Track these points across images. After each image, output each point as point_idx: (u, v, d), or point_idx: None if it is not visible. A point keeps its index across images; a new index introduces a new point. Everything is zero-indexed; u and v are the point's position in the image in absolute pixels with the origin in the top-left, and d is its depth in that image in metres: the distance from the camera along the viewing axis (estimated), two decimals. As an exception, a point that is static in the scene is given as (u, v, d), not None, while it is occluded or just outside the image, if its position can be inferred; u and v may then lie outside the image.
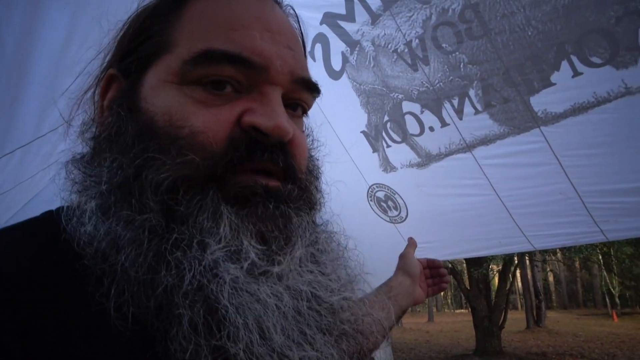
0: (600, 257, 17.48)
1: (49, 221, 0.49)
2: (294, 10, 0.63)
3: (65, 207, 0.50)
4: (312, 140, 0.67)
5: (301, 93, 0.56)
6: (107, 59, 0.56)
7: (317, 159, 0.66)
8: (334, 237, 0.61)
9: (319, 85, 0.58)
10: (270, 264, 0.47)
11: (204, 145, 0.46)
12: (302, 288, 0.48)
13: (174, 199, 0.45)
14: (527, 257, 15.86)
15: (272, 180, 0.50)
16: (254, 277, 0.45)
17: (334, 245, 0.59)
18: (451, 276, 13.47)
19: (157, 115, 0.47)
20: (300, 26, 0.63)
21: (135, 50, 0.53)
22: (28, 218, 0.52)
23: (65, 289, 0.43)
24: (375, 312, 0.60)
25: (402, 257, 1.36)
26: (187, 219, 0.44)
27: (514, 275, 13.61)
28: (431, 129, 2.62)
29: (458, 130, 2.53)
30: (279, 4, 0.60)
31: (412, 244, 1.41)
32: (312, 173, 0.60)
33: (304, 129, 0.62)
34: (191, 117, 0.47)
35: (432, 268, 1.40)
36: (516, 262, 14.28)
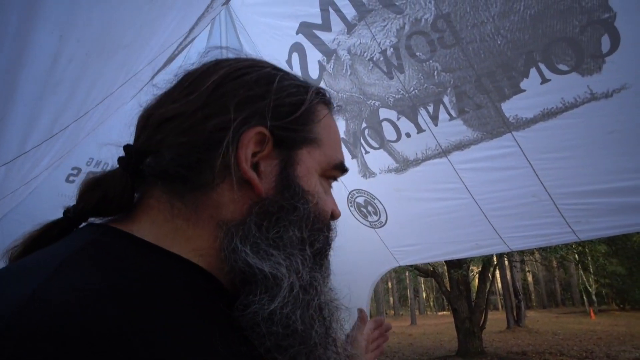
0: (577, 256, 17.85)
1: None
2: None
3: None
4: None
5: None
6: (246, 110, 0.60)
7: None
8: None
9: None
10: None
11: (330, 224, 0.68)
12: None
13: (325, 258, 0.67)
14: (505, 258, 16.12)
15: None
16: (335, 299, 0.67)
17: None
18: (432, 278, 13.60)
19: (314, 202, 0.63)
20: None
21: (295, 129, 0.63)
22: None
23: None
24: None
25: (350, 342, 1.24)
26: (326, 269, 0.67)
27: (494, 276, 13.81)
28: (408, 135, 2.68)
29: (434, 136, 2.59)
30: None
31: (361, 321, 1.27)
32: None
33: None
34: (326, 204, 0.66)
35: (378, 328, 1.31)
36: (495, 263, 14.50)
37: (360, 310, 1.25)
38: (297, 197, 0.61)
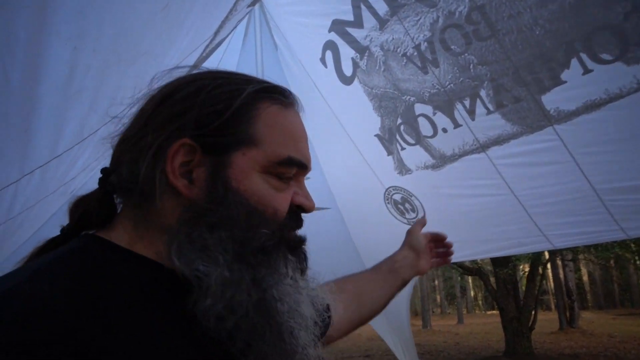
0: (636, 255, 16.94)
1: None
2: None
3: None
4: None
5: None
6: (169, 127, 0.66)
7: None
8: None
9: None
10: (304, 283, 0.72)
11: (279, 219, 0.68)
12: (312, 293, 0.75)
13: (267, 254, 0.65)
14: (558, 257, 15.52)
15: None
16: (299, 292, 0.68)
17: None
18: (478, 277, 13.28)
19: (250, 197, 0.65)
20: None
21: (218, 134, 0.66)
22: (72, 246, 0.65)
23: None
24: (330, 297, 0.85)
25: (409, 232, 1.43)
26: (273, 264, 0.66)
27: (543, 275, 13.32)
28: (444, 130, 2.62)
29: (471, 130, 2.53)
30: None
31: (421, 221, 1.48)
32: None
33: None
34: (272, 200, 0.67)
35: (437, 241, 1.47)
36: (545, 261, 13.98)
37: (422, 217, 1.50)
38: (220, 197, 0.64)
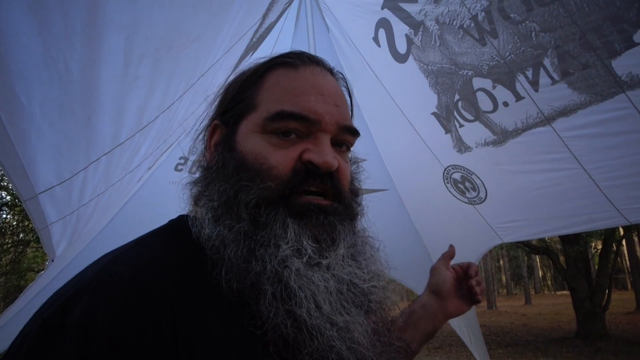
0: None
1: (180, 226, 0.72)
2: (342, 74, 0.83)
3: (191, 216, 0.72)
4: (356, 168, 0.87)
5: (345, 136, 0.76)
6: (211, 113, 0.79)
7: (359, 181, 0.85)
8: (369, 241, 0.80)
9: (358, 130, 0.78)
10: (322, 258, 0.67)
11: (277, 175, 0.67)
12: (343, 276, 0.68)
13: (258, 212, 0.66)
14: (634, 233, 14.61)
15: (324, 200, 0.71)
16: (310, 267, 0.65)
17: (368, 248, 0.78)
18: (546, 256, 12.76)
19: (247, 155, 0.69)
20: (347, 86, 0.83)
21: (232, 108, 0.75)
22: (165, 224, 0.74)
23: (197, 269, 0.65)
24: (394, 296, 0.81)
25: (432, 271, 1.19)
26: (266, 227, 0.65)
27: (617, 253, 12.58)
28: (505, 104, 2.51)
29: (535, 102, 2.40)
30: (332, 73, 0.80)
31: (447, 254, 1.21)
32: (354, 192, 0.80)
33: (348, 160, 0.81)
34: (269, 156, 0.68)
35: (467, 277, 1.17)
36: (619, 238, 13.20)
37: (450, 246, 1.22)
38: (223, 159, 0.71)
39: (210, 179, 0.72)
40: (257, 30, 1.76)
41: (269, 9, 1.65)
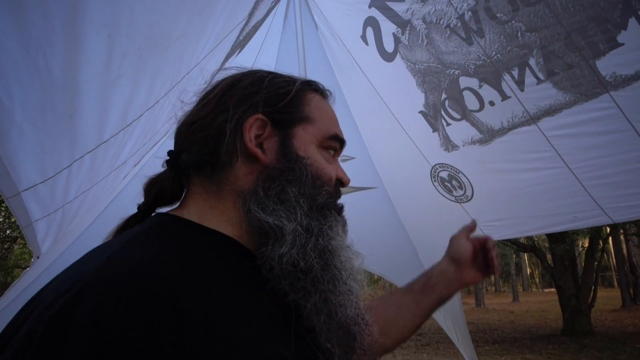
0: None
1: (170, 224, 0.75)
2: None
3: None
4: None
5: None
6: (243, 105, 0.78)
7: None
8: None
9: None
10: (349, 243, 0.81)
11: (331, 185, 0.81)
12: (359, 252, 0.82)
13: (328, 212, 0.79)
14: (620, 231, 14.80)
15: None
16: (348, 248, 0.79)
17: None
18: (533, 254, 12.88)
19: (314, 163, 0.79)
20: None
21: (286, 112, 0.80)
22: (150, 222, 0.75)
23: (204, 263, 0.70)
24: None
25: (451, 240, 1.25)
26: (328, 222, 0.77)
27: (604, 251, 12.73)
28: (491, 103, 2.53)
29: (520, 102, 2.42)
30: None
31: (470, 227, 1.26)
32: None
33: None
34: (327, 169, 0.81)
35: (485, 250, 1.20)
36: (605, 236, 13.36)
37: (472, 220, 1.27)
38: (292, 161, 0.76)
39: (273, 174, 0.76)
40: (243, 28, 1.76)
41: (255, 7, 1.65)
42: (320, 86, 0.89)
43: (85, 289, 0.54)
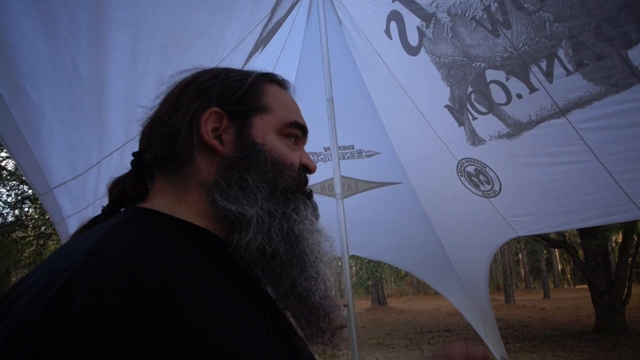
0: None
1: (148, 216, 0.77)
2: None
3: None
4: None
5: None
6: (199, 100, 0.80)
7: None
8: None
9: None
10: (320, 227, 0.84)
11: (294, 170, 0.82)
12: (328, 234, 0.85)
13: (292, 196, 0.80)
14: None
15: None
16: (318, 232, 0.81)
17: None
18: (564, 250, 12.58)
19: (273, 150, 0.80)
20: None
21: (242, 103, 0.81)
22: (126, 215, 0.76)
23: (190, 252, 0.72)
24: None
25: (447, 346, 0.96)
26: (295, 207, 0.79)
27: (638, 246, 12.33)
28: (519, 96, 2.48)
29: (549, 94, 2.37)
30: None
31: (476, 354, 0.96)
32: None
33: None
34: (288, 155, 0.82)
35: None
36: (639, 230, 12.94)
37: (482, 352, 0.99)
38: (250, 149, 0.78)
39: (232, 163, 0.77)
40: (266, 25, 1.77)
41: (277, 4, 1.65)
42: (279, 77, 0.90)
43: (77, 275, 0.53)
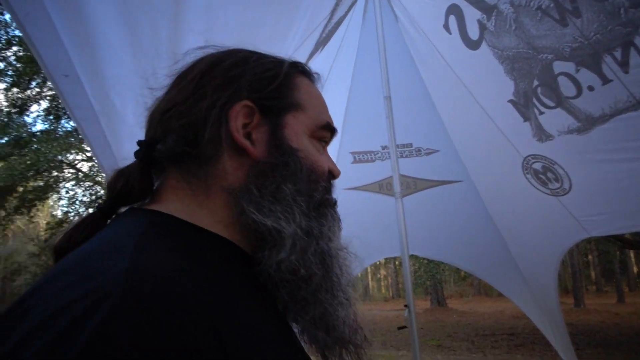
0: None
1: (169, 224, 0.68)
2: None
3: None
4: None
5: None
6: (227, 90, 0.69)
7: None
8: None
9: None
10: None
11: (324, 179, 0.73)
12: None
13: (325, 210, 0.72)
14: None
15: None
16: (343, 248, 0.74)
17: None
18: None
19: (307, 156, 0.71)
20: None
21: (276, 97, 0.71)
22: (145, 224, 0.64)
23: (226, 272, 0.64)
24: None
25: None
26: (325, 220, 0.71)
27: None
28: (590, 88, 2.34)
29: (624, 85, 2.22)
30: None
31: None
32: None
33: None
34: (320, 162, 0.73)
35: None
36: None
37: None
38: (286, 155, 0.68)
39: (266, 170, 0.67)
40: (326, 26, 1.77)
41: (337, 4, 1.65)
42: (308, 68, 0.80)
43: (118, 312, 0.42)
